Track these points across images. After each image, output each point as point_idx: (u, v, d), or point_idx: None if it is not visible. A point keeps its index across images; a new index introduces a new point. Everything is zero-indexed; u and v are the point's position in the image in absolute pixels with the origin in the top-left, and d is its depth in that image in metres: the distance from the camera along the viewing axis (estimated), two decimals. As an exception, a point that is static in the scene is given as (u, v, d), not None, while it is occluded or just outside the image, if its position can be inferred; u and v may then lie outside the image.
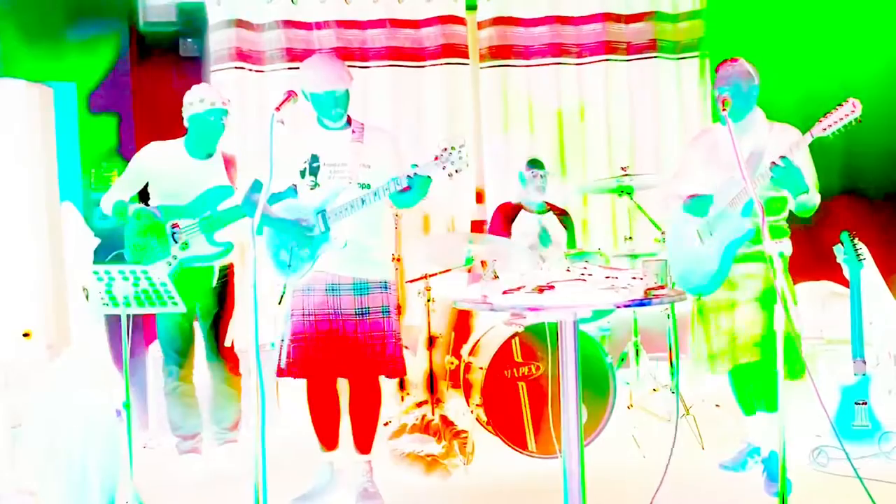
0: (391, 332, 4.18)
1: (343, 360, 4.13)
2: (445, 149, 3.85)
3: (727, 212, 4.09)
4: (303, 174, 4.15)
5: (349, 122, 4.22)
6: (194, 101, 4.81)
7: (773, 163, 3.88)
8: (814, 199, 4.08)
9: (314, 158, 4.15)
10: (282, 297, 4.20)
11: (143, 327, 5.38)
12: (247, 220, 4.69)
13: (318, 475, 4.35)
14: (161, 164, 4.84)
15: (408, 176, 3.90)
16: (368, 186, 4.09)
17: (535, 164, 5.75)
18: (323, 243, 4.09)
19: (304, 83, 4.17)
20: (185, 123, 4.86)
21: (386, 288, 4.21)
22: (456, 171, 3.85)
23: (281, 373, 4.21)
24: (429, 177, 3.90)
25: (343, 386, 4.36)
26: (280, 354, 4.21)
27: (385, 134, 4.32)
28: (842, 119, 3.77)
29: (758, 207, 3.49)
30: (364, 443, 4.30)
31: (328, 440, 4.35)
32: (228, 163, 4.91)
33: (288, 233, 4.14)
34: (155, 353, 5.33)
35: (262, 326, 3.48)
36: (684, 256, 4.32)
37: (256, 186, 4.20)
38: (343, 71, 4.19)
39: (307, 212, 4.12)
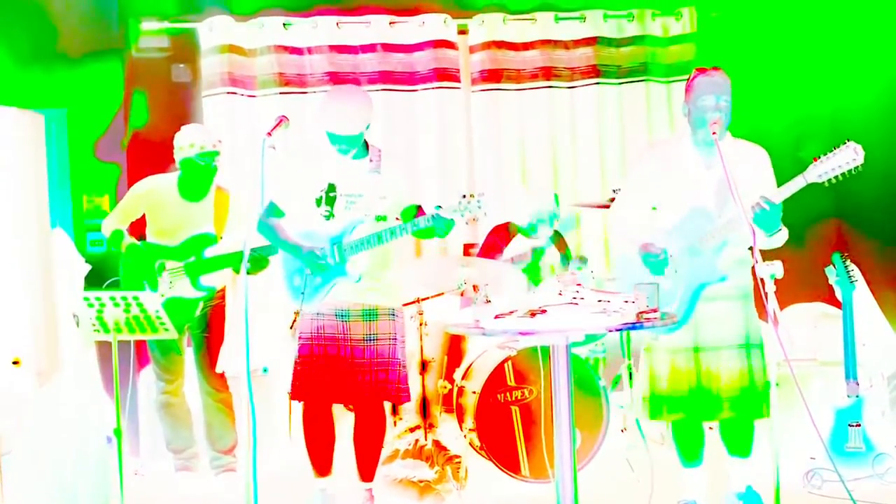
0: (397, 359, 4.19)
1: (349, 385, 4.13)
2: (464, 196, 3.90)
3: (697, 249, 3.88)
4: (318, 202, 4.14)
5: (367, 147, 4.22)
6: (184, 145, 4.82)
7: (758, 204, 3.64)
8: (783, 237, 3.84)
9: (331, 188, 4.15)
10: (293, 321, 4.20)
11: (135, 353, 5.36)
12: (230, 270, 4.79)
13: (312, 502, 4.33)
14: (155, 200, 4.90)
15: (431, 216, 3.94)
16: (385, 218, 4.12)
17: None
18: (338, 275, 4.09)
19: (319, 114, 4.13)
20: (177, 165, 4.88)
21: (394, 315, 4.22)
22: (475, 219, 3.92)
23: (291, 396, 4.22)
24: (452, 220, 3.93)
25: (341, 412, 4.35)
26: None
27: (399, 163, 4.34)
28: (841, 167, 3.54)
29: (749, 231, 3.49)
30: (367, 470, 4.29)
31: (322, 466, 4.33)
32: (222, 200, 4.91)
33: (302, 260, 4.13)
34: (146, 378, 5.33)
35: (254, 352, 3.48)
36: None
37: (271, 208, 4.22)
38: (358, 115, 4.11)
39: (323, 240, 4.12)
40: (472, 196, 3.89)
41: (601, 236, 6.62)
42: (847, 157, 3.55)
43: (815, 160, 3.60)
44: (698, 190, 3.87)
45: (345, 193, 4.14)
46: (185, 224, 4.85)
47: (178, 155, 4.85)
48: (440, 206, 3.95)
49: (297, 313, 4.17)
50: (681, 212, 3.93)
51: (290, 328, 4.19)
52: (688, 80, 4.00)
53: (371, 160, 4.17)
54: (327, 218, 4.13)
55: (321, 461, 4.33)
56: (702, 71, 3.95)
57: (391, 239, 4.02)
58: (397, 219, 4.21)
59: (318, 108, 4.15)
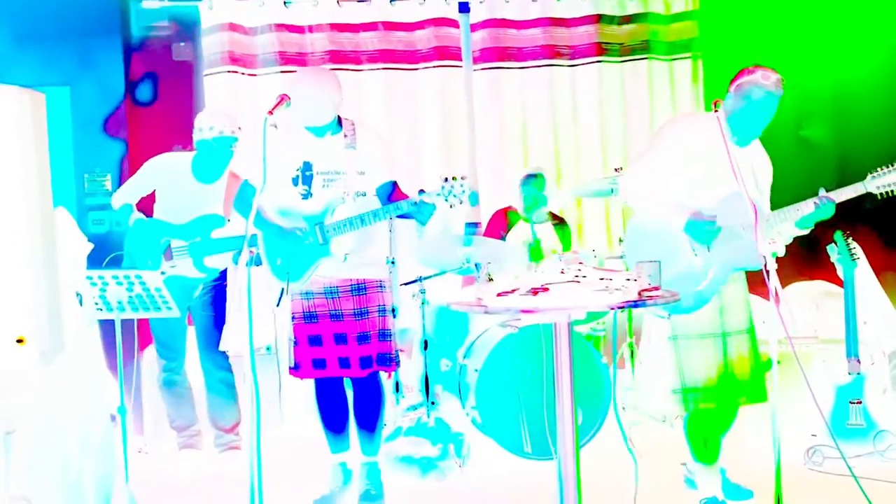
0: (388, 329, 4.21)
1: (345, 360, 4.15)
2: (446, 179, 3.89)
3: (738, 232, 3.77)
4: (295, 181, 4.12)
5: (339, 122, 4.20)
6: (203, 127, 4.82)
7: (823, 198, 3.72)
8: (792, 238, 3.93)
9: (307, 166, 4.12)
10: (279, 299, 4.21)
11: (138, 332, 5.39)
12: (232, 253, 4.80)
13: (332, 477, 4.36)
14: (167, 178, 4.91)
15: (413, 203, 3.94)
16: (364, 194, 4.11)
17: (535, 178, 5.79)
18: (322, 255, 4.09)
19: (291, 97, 4.05)
20: (194, 146, 4.88)
21: (382, 287, 4.23)
22: (459, 203, 3.90)
23: (291, 373, 4.26)
24: (434, 205, 3.94)
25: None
26: (289, 355, 4.26)
27: (375, 135, 4.28)
28: None
29: (751, 210, 3.48)
30: (369, 443, 4.31)
31: (338, 440, 4.36)
32: (234, 184, 4.91)
33: (284, 240, 4.13)
34: (150, 357, 5.36)
35: (257, 331, 3.49)
36: (670, 267, 3.75)
37: (249, 189, 4.18)
38: (329, 101, 4.04)
39: (304, 219, 4.11)
40: (454, 179, 3.88)
41: (602, 217, 6.63)
42: None
43: (878, 170, 3.75)
44: (735, 173, 3.77)
45: (321, 172, 4.11)
46: (195, 204, 4.86)
47: (197, 136, 4.85)
48: (423, 192, 3.95)
49: (283, 291, 4.18)
50: (717, 191, 3.82)
51: (277, 306, 4.21)
52: (745, 71, 3.87)
53: (346, 135, 4.15)
54: (305, 197, 4.11)
55: (338, 435, 4.36)
56: (766, 78, 3.82)
57: (373, 222, 4.02)
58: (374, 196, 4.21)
59: (292, 96, 3.96)
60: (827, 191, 3.76)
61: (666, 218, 3.86)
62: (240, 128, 4.92)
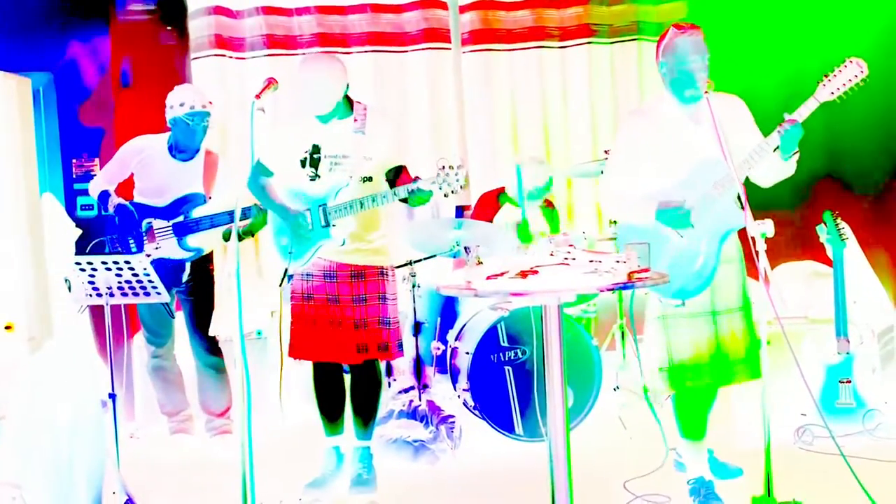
0: (387, 317, 4.21)
1: (341, 345, 4.16)
2: (443, 167, 3.87)
3: (712, 198, 3.77)
4: (303, 163, 4.15)
5: (351, 105, 4.19)
6: (174, 104, 4.83)
7: (784, 125, 3.66)
8: (793, 166, 3.85)
9: (315, 149, 4.15)
10: (282, 279, 4.24)
11: (127, 317, 5.37)
12: (217, 230, 4.80)
13: (325, 460, 4.37)
14: (144, 160, 4.90)
15: (410, 190, 3.95)
16: (370, 179, 4.12)
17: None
18: (323, 237, 4.11)
19: (296, 95, 4.11)
20: (168, 124, 4.87)
21: (383, 274, 4.23)
22: (452, 192, 3.90)
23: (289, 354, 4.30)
24: (429, 192, 3.94)
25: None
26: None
27: (386, 121, 4.28)
28: (850, 81, 3.62)
29: (740, 186, 3.48)
30: (363, 428, 4.32)
31: (333, 424, 4.37)
32: (211, 163, 4.91)
33: (289, 220, 4.16)
34: (140, 342, 5.35)
35: (247, 315, 3.49)
36: (662, 257, 3.81)
37: (259, 168, 4.24)
38: (329, 89, 4.07)
39: (309, 201, 4.14)
40: (451, 168, 3.88)
41: (592, 200, 6.62)
42: (853, 72, 3.63)
43: (825, 78, 3.66)
44: (696, 144, 3.82)
45: (329, 155, 4.14)
46: (174, 184, 4.85)
47: (169, 114, 4.86)
48: (419, 179, 3.96)
49: (286, 271, 4.21)
50: (681, 170, 3.84)
51: (280, 286, 4.24)
52: (661, 38, 3.91)
53: (356, 119, 4.15)
54: (312, 179, 4.14)
55: (332, 420, 4.36)
56: (680, 29, 3.85)
57: (373, 205, 4.04)
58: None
59: (293, 87, 4.09)
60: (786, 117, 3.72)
61: (641, 220, 3.89)
62: (210, 102, 4.91)
